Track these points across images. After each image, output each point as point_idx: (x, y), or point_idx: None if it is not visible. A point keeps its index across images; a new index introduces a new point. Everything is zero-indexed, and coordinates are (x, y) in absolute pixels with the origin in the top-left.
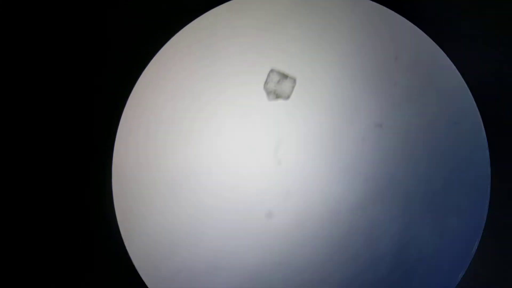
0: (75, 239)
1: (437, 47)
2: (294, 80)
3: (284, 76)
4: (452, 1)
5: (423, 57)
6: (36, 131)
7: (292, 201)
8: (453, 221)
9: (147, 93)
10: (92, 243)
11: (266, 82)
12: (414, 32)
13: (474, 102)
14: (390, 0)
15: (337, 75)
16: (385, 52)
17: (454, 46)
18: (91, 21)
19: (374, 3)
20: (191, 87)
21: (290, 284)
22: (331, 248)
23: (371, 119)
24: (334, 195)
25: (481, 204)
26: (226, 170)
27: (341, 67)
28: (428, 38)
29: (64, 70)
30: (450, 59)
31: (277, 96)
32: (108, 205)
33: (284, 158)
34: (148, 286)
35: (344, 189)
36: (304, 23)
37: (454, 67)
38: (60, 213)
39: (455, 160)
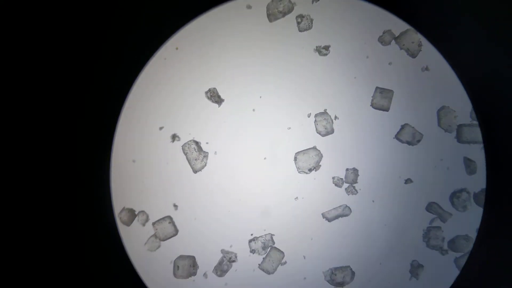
0: (74, 239)
1: (434, 48)
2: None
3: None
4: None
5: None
6: (35, 131)
7: (289, 202)
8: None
9: (146, 92)
10: (91, 243)
11: None
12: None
13: (469, 102)
14: (386, 1)
15: (335, 75)
16: (382, 53)
17: (451, 46)
18: (90, 21)
19: (370, 4)
20: (190, 87)
21: (288, 282)
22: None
23: (368, 120)
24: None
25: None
26: (225, 170)
27: (339, 68)
28: (424, 39)
29: (63, 70)
30: (447, 59)
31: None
32: (107, 205)
33: (282, 159)
34: (148, 286)
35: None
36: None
37: (450, 67)
38: (60, 213)
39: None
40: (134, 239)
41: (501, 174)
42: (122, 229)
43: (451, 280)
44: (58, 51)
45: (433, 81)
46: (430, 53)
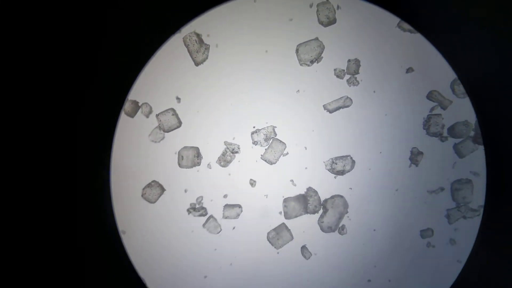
0: (74, 239)
1: (434, 48)
2: None
3: None
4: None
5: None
6: (35, 131)
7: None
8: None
9: (145, 92)
10: (91, 243)
11: None
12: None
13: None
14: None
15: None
16: (382, 54)
17: (451, 47)
18: (90, 20)
19: (370, 4)
20: (190, 86)
21: (288, 280)
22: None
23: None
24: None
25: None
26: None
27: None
28: (425, 39)
29: (63, 69)
30: (447, 59)
31: None
32: (107, 204)
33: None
34: (148, 286)
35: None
36: (300, 23)
37: (450, 67)
38: (59, 212)
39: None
40: (135, 238)
41: (501, 174)
42: (123, 228)
43: (450, 164)
44: (58, 51)
45: (433, 81)
46: (430, 53)
